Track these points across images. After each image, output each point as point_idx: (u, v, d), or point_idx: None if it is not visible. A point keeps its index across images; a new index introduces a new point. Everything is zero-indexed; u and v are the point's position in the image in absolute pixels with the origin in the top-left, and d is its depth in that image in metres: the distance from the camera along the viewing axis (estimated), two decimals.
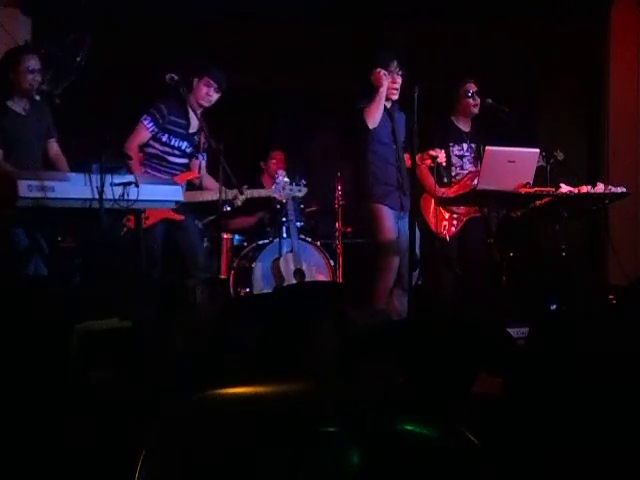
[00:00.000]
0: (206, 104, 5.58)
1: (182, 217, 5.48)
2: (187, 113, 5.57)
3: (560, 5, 6.85)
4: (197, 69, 5.61)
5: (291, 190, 6.01)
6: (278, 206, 6.34)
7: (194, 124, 5.60)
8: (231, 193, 5.53)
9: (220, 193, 5.42)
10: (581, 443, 2.10)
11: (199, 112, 5.54)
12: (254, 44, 6.96)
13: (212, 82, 5.55)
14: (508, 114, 5.86)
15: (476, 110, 5.98)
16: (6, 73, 5.07)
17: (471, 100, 5.94)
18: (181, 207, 5.34)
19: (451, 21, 7.05)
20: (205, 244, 6.03)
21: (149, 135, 5.49)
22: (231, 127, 6.41)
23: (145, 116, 5.47)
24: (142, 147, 5.52)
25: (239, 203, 5.60)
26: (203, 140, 5.62)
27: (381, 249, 5.41)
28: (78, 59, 4.95)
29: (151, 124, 5.48)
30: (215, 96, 5.58)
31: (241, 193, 5.58)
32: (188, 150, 5.63)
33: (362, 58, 5.86)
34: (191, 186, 5.73)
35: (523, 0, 6.85)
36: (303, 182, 6.25)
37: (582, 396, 2.20)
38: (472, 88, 5.93)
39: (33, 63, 5.05)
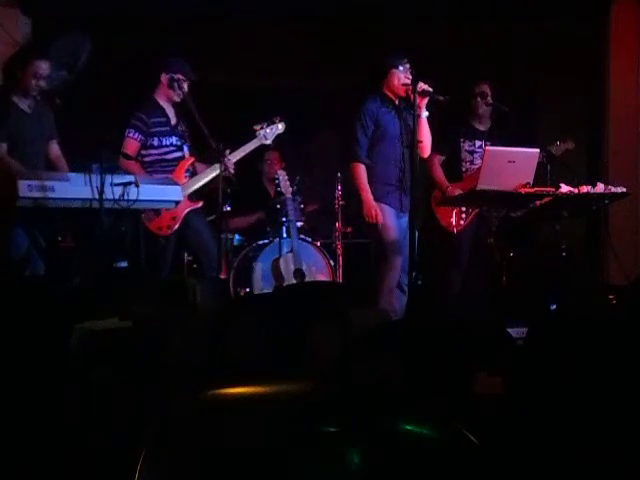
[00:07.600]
0: (177, 99, 5.65)
1: (200, 202, 5.63)
2: (164, 110, 5.68)
3: (560, 5, 6.85)
4: (163, 66, 5.68)
5: (271, 130, 5.93)
6: (278, 206, 6.34)
7: (172, 116, 5.71)
8: (226, 162, 5.51)
9: (220, 194, 5.42)
10: (582, 443, 2.10)
11: (176, 102, 5.67)
12: (254, 43, 6.95)
13: (180, 76, 5.62)
14: (508, 114, 5.87)
15: (483, 111, 6.02)
16: (14, 70, 5.07)
17: (479, 99, 5.98)
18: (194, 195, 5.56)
19: (452, 22, 7.05)
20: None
21: (139, 145, 5.59)
22: (228, 127, 6.41)
23: (129, 129, 5.57)
24: (137, 157, 5.60)
25: (232, 170, 5.60)
26: (184, 128, 5.74)
27: (384, 248, 5.40)
28: (79, 62, 4.96)
29: (137, 134, 5.57)
30: (185, 87, 5.63)
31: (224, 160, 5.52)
32: (179, 143, 5.72)
33: (370, 58, 5.85)
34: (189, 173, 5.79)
35: (523, 0, 6.86)
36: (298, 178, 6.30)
37: (583, 396, 2.20)
38: (484, 90, 5.96)
39: (44, 69, 5.04)
